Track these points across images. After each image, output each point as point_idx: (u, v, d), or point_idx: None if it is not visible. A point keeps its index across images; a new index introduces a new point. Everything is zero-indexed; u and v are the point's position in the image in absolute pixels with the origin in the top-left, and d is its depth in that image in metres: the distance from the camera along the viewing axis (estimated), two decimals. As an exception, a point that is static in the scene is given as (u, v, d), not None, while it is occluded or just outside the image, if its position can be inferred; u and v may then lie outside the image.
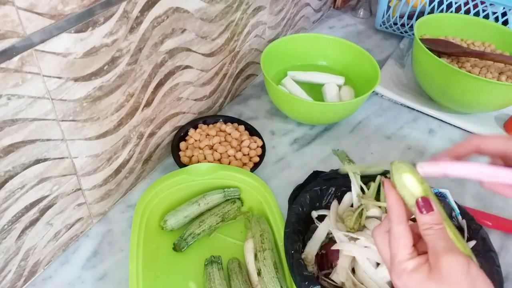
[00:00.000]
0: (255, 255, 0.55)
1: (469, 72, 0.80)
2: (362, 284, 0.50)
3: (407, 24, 1.01)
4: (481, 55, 0.81)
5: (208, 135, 0.71)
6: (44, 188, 0.50)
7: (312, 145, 0.78)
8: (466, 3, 0.92)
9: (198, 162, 0.67)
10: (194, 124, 0.73)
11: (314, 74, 0.86)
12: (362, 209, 0.55)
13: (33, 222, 0.51)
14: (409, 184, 0.39)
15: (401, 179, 0.39)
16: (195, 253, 0.59)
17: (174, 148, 0.69)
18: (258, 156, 0.70)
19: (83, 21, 0.44)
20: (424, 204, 0.38)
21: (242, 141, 0.71)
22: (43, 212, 0.51)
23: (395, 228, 0.38)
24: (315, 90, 0.84)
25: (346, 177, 0.57)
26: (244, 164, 0.69)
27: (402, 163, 0.40)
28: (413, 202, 0.38)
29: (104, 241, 0.60)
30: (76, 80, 0.47)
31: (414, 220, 0.39)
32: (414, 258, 0.37)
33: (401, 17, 1.02)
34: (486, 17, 0.91)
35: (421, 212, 0.38)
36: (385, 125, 0.84)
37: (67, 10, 0.42)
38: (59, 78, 0.45)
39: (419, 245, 0.39)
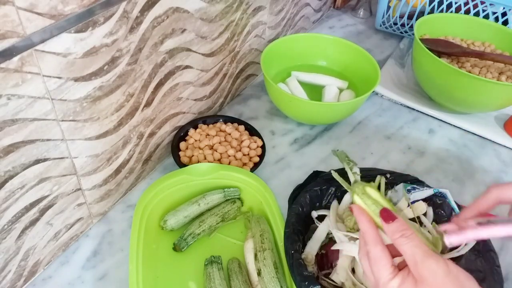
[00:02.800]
0: (255, 255, 0.55)
1: (469, 72, 0.80)
2: (362, 284, 0.50)
3: (407, 24, 1.01)
4: (481, 55, 0.81)
5: (208, 135, 0.71)
6: (44, 188, 0.50)
7: (312, 145, 0.78)
8: (466, 3, 0.92)
9: (198, 162, 0.67)
10: (194, 124, 0.73)
11: (317, 76, 0.86)
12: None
13: (33, 222, 0.51)
14: (371, 202, 0.42)
15: (363, 200, 0.43)
16: (195, 253, 0.59)
17: (174, 148, 0.69)
18: (258, 156, 0.70)
19: (83, 21, 0.44)
20: (387, 214, 0.40)
21: (242, 141, 0.71)
22: (43, 212, 0.51)
23: (372, 251, 0.40)
24: (317, 92, 0.84)
25: (346, 178, 0.57)
26: (244, 164, 0.69)
27: (360, 186, 0.44)
28: (378, 219, 0.41)
29: (104, 241, 0.60)
30: (76, 80, 0.47)
31: None
32: (397, 275, 0.38)
33: (401, 17, 1.02)
34: (486, 17, 0.91)
35: (386, 222, 0.40)
36: (385, 125, 0.84)
37: (67, 10, 0.42)
38: (59, 78, 0.45)
39: (399, 257, 0.40)
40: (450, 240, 0.40)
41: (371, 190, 0.44)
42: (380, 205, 0.42)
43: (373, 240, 0.40)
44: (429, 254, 0.37)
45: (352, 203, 0.45)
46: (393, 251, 0.40)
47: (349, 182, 0.57)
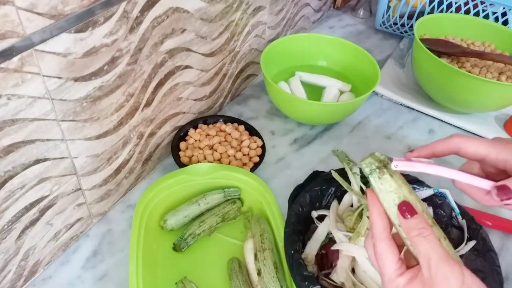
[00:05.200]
0: (255, 255, 0.55)
1: (469, 72, 0.80)
2: (362, 284, 0.50)
3: (407, 24, 1.01)
4: (481, 55, 0.81)
5: (208, 135, 0.71)
6: (44, 188, 0.50)
7: (312, 145, 0.78)
8: (466, 3, 0.92)
9: (198, 162, 0.67)
10: (194, 124, 0.73)
11: (321, 77, 0.86)
12: (362, 209, 0.55)
13: (33, 222, 0.51)
14: (389, 190, 0.37)
15: (381, 185, 0.37)
16: (195, 253, 0.59)
17: (174, 148, 0.69)
18: (258, 156, 0.70)
19: (83, 21, 0.44)
20: (407, 208, 0.36)
21: (242, 141, 0.71)
22: (43, 212, 0.51)
23: (378, 246, 0.37)
24: (319, 92, 0.84)
25: (346, 178, 0.57)
26: (244, 164, 0.69)
27: (379, 163, 0.38)
28: (394, 210, 0.36)
29: (104, 241, 0.60)
30: (76, 80, 0.47)
31: None
32: (404, 273, 0.35)
33: (401, 17, 1.02)
34: (486, 17, 0.91)
35: (404, 217, 0.36)
36: (385, 125, 0.84)
37: (67, 10, 0.42)
38: (59, 78, 0.45)
39: (406, 255, 0.38)
40: (397, 167, 0.39)
41: (391, 174, 0.38)
42: (401, 194, 0.37)
43: (380, 233, 0.37)
44: (445, 259, 0.34)
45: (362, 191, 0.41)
46: (399, 241, 0.37)
47: (349, 182, 0.57)
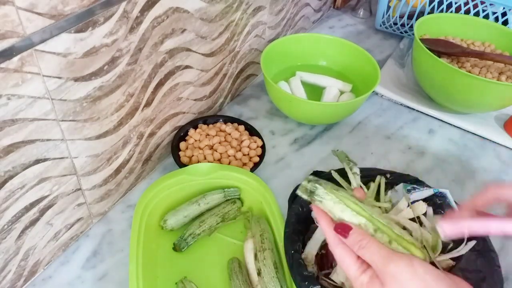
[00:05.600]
0: (255, 255, 0.55)
1: (469, 72, 0.80)
2: (362, 284, 0.50)
3: (407, 24, 1.01)
4: (481, 55, 0.81)
5: (208, 135, 0.71)
6: (44, 188, 0.50)
7: (312, 145, 0.78)
8: (466, 3, 0.92)
9: (198, 162, 0.67)
10: (194, 124, 0.73)
11: (322, 77, 0.86)
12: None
13: (33, 222, 0.51)
14: (329, 210, 0.42)
15: (322, 206, 0.42)
16: (195, 253, 0.59)
17: (174, 148, 0.69)
18: (258, 156, 0.70)
19: (83, 21, 0.44)
20: (341, 229, 0.40)
21: (242, 141, 0.71)
22: (43, 212, 0.51)
23: (336, 252, 0.40)
24: (319, 92, 0.84)
25: (346, 178, 0.57)
26: (244, 164, 0.69)
27: (307, 194, 0.42)
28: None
29: (104, 241, 0.60)
30: (76, 80, 0.47)
31: None
32: (365, 271, 0.38)
33: (401, 17, 1.02)
34: (486, 17, 0.91)
35: (344, 237, 0.39)
36: (385, 125, 0.84)
37: (67, 10, 0.42)
38: (59, 78, 0.45)
39: None
40: (443, 229, 0.39)
41: (320, 200, 0.42)
42: (335, 215, 0.41)
43: (333, 240, 0.40)
44: (389, 258, 0.36)
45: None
46: None
47: (349, 182, 0.57)
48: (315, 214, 0.42)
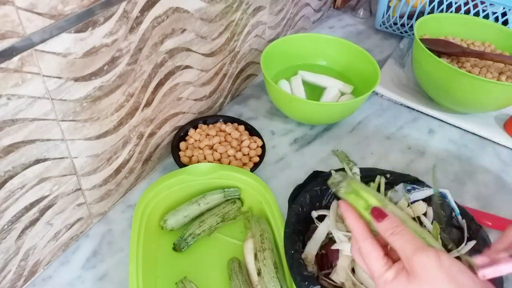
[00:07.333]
0: (255, 255, 0.55)
1: (469, 72, 0.80)
2: (361, 284, 0.50)
3: (407, 24, 1.01)
4: (481, 55, 0.81)
5: (208, 135, 0.71)
6: (44, 188, 0.50)
7: (312, 145, 0.78)
8: (466, 3, 0.92)
9: (198, 162, 0.67)
10: (194, 124, 0.73)
11: (323, 77, 0.86)
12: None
13: (33, 222, 0.51)
14: (360, 200, 0.42)
15: (352, 197, 0.42)
16: (195, 253, 0.59)
17: (174, 148, 0.69)
18: (258, 156, 0.70)
19: (83, 21, 0.44)
20: (378, 213, 0.40)
21: (242, 141, 0.71)
22: (43, 212, 0.51)
23: (362, 246, 0.40)
24: (319, 92, 0.84)
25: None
26: (244, 164, 0.69)
27: (345, 184, 0.43)
28: (369, 217, 0.41)
29: (104, 241, 0.60)
30: (76, 80, 0.47)
31: None
32: (391, 267, 0.38)
33: (401, 17, 1.02)
34: (486, 17, 0.91)
35: (378, 221, 0.39)
36: (385, 125, 0.84)
37: (67, 10, 0.42)
38: (59, 78, 0.45)
39: (391, 252, 0.40)
40: (484, 273, 0.40)
41: (359, 186, 0.43)
42: (368, 201, 0.42)
43: (361, 235, 0.40)
44: (420, 248, 0.36)
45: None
46: (382, 240, 0.40)
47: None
48: (342, 208, 0.42)
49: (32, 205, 0.49)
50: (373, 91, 0.83)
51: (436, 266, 0.35)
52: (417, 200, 0.57)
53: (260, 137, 0.73)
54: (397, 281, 0.37)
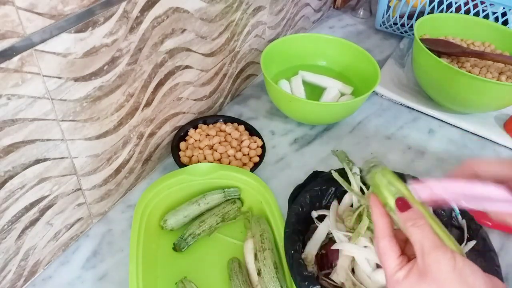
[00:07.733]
0: (255, 255, 0.55)
1: (469, 72, 0.80)
2: (361, 284, 0.50)
3: (407, 24, 1.01)
4: (481, 55, 0.81)
5: (208, 135, 0.71)
6: (44, 188, 0.50)
7: (312, 145, 0.78)
8: (466, 3, 0.92)
9: (198, 162, 0.67)
10: (194, 124, 0.73)
11: (324, 78, 0.86)
12: (362, 209, 0.55)
13: (33, 222, 0.51)
14: (387, 189, 0.41)
15: (384, 183, 0.42)
16: (195, 253, 0.59)
17: (174, 148, 0.69)
18: (258, 156, 0.70)
19: (83, 21, 0.44)
20: (402, 203, 0.40)
21: (242, 141, 0.71)
22: (43, 212, 0.51)
23: (380, 243, 0.40)
24: (319, 93, 0.84)
25: (346, 178, 0.57)
26: (244, 164, 0.69)
27: (380, 169, 0.43)
28: (392, 204, 0.40)
29: (104, 241, 0.60)
30: (76, 80, 0.47)
31: None
32: (403, 267, 0.38)
33: (401, 17, 1.02)
34: (486, 17, 0.91)
35: (401, 210, 0.39)
36: (385, 125, 0.84)
37: (67, 10, 0.42)
38: (59, 78, 0.45)
39: (407, 248, 0.40)
40: (415, 190, 0.40)
41: (392, 175, 0.42)
42: (399, 190, 0.41)
43: (381, 231, 0.40)
44: (437, 245, 0.36)
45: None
46: (402, 236, 0.40)
47: (349, 182, 0.57)
48: (370, 201, 0.42)
49: (32, 205, 0.49)
50: (373, 91, 0.83)
51: (450, 267, 0.35)
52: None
53: (260, 137, 0.73)
54: (408, 279, 0.37)
